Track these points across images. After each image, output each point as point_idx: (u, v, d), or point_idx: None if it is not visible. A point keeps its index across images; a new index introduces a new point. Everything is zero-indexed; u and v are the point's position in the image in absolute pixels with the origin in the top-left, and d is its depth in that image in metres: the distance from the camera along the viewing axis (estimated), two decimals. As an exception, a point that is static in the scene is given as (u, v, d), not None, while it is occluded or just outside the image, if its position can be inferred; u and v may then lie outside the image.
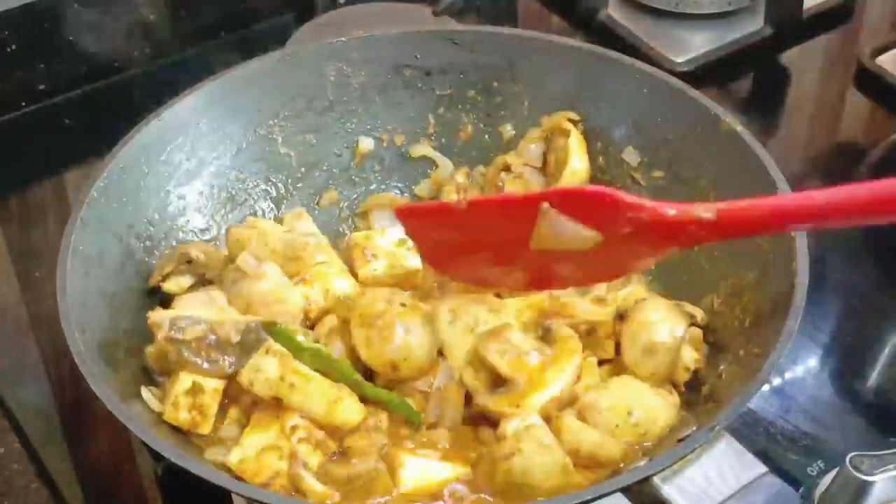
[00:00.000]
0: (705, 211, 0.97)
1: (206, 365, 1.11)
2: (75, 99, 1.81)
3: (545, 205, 1.01)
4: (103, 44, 1.84)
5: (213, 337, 1.12)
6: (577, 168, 1.33)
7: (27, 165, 1.70)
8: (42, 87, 1.81)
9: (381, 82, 1.44)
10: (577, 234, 1.01)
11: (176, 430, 1.12)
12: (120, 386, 1.09)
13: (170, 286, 1.23)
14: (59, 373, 1.40)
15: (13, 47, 1.77)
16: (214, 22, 1.92)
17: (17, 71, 1.79)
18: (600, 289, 1.21)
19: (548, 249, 1.03)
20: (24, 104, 1.79)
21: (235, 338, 1.11)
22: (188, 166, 1.34)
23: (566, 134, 1.34)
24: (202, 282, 1.26)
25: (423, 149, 1.45)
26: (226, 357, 1.12)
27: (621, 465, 1.07)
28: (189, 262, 1.24)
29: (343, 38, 1.41)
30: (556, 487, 1.03)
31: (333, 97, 1.43)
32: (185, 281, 1.24)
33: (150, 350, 1.15)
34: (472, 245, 1.09)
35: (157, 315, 1.13)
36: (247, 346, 1.12)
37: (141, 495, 1.28)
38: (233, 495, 1.10)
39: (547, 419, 1.09)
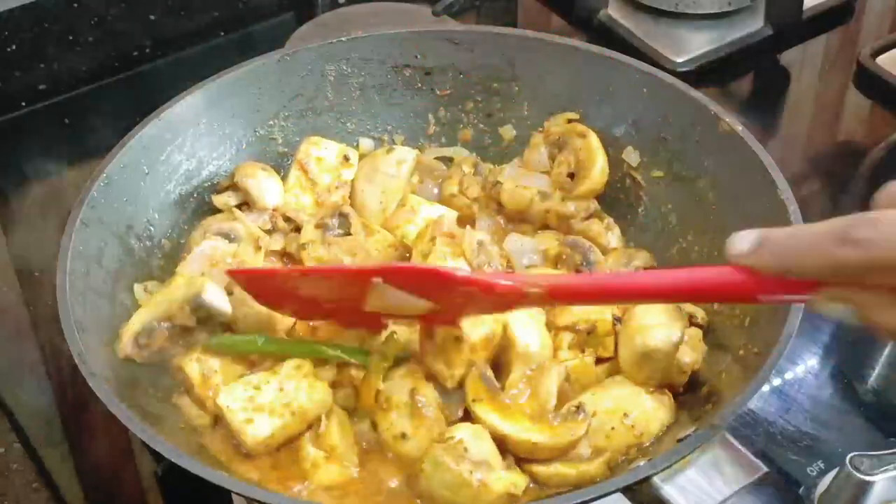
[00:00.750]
0: (533, 287, 1.02)
1: (185, 348, 1.16)
2: (75, 99, 1.81)
3: (376, 279, 1.04)
4: (103, 44, 1.84)
5: (173, 328, 1.16)
6: (603, 166, 1.33)
7: (27, 165, 1.70)
8: (42, 87, 1.81)
9: (381, 82, 1.44)
10: (408, 302, 1.06)
11: (176, 430, 1.12)
12: (120, 386, 1.08)
13: (218, 200, 1.34)
14: (59, 373, 1.40)
15: (13, 47, 1.77)
16: (214, 22, 1.92)
17: (17, 71, 1.79)
18: None
19: (383, 310, 1.09)
20: (24, 104, 1.80)
21: (192, 321, 1.16)
22: (188, 166, 1.34)
23: (582, 135, 1.34)
24: (247, 202, 1.34)
25: (434, 151, 1.45)
26: (198, 334, 1.17)
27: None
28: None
29: (343, 38, 1.42)
30: (471, 499, 1.02)
31: (333, 97, 1.43)
32: (232, 200, 1.34)
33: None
34: (309, 301, 1.14)
35: (121, 345, 1.16)
36: (205, 320, 1.17)
37: (141, 495, 1.28)
38: (233, 495, 1.10)
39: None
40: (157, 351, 1.15)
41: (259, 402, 1.11)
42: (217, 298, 1.17)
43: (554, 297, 1.03)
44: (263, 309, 1.18)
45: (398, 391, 1.11)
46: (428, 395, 1.10)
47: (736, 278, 0.91)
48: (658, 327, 1.12)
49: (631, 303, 1.13)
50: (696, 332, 1.18)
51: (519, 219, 1.35)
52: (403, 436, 1.09)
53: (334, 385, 1.15)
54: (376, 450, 1.13)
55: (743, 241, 0.89)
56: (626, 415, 1.10)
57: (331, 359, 1.16)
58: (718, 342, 1.18)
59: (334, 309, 1.14)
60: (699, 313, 1.20)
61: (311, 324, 1.20)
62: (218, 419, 1.13)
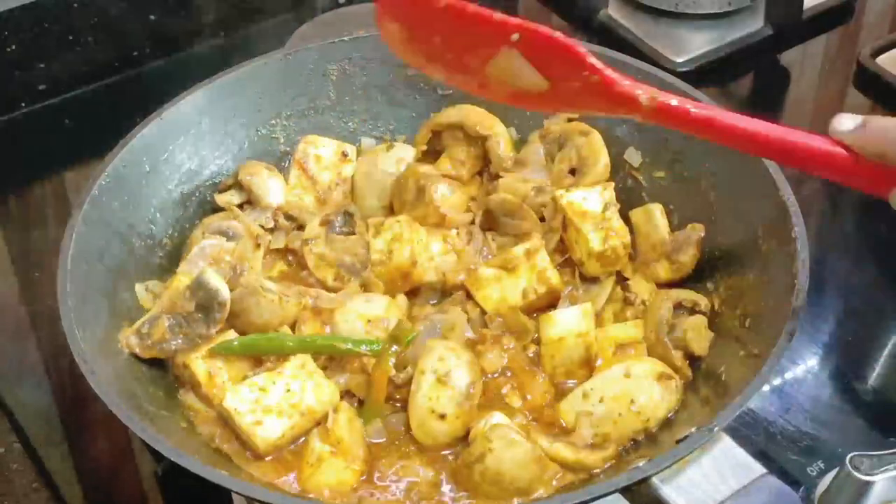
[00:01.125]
0: (647, 98, 1.02)
1: (185, 343, 1.15)
2: (75, 99, 1.81)
3: (510, 46, 1.04)
4: (103, 44, 1.84)
5: (173, 319, 1.16)
6: (606, 161, 1.34)
7: (27, 165, 1.70)
8: (42, 87, 1.81)
9: (384, 82, 1.44)
10: (528, 77, 1.05)
11: (177, 429, 1.12)
12: (120, 385, 1.08)
13: (220, 199, 1.34)
14: (59, 373, 1.40)
15: (13, 47, 1.77)
16: (214, 22, 1.92)
17: (17, 71, 1.79)
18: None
19: (499, 78, 1.07)
20: (23, 104, 1.79)
21: (191, 306, 1.16)
22: (190, 165, 1.34)
23: (585, 133, 1.35)
24: (250, 201, 1.35)
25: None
26: (197, 325, 1.16)
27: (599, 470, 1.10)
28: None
29: (345, 38, 1.42)
30: (533, 478, 1.06)
31: (335, 97, 1.44)
32: (235, 198, 1.34)
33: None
34: (437, 43, 1.10)
35: (124, 336, 1.17)
36: (204, 305, 1.16)
37: (141, 495, 1.28)
38: (233, 495, 1.10)
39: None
40: (158, 341, 1.15)
41: (266, 403, 1.11)
42: (215, 280, 1.17)
43: (659, 114, 1.02)
44: (274, 298, 1.18)
45: (436, 366, 1.12)
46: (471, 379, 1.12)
47: (833, 149, 0.93)
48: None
49: (727, 144, 1.08)
50: (701, 320, 1.20)
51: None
52: (443, 416, 1.11)
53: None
54: (379, 447, 1.14)
55: (847, 121, 0.91)
56: (632, 402, 1.11)
57: (342, 354, 1.16)
58: (718, 342, 1.19)
59: (459, 60, 1.09)
60: (702, 301, 1.21)
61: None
62: (224, 418, 1.13)
